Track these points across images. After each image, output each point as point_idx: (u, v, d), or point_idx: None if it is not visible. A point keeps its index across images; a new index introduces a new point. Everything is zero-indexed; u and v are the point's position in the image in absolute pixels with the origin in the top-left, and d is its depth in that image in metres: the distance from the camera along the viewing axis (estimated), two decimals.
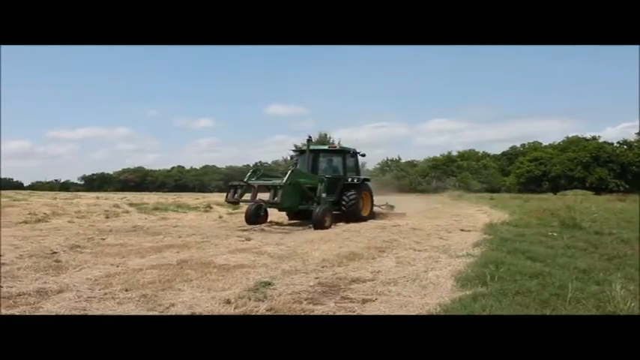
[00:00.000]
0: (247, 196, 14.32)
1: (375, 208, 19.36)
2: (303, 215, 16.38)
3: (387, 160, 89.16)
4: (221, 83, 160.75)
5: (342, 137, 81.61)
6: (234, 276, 6.84)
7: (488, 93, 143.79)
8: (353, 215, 16.53)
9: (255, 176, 14.76)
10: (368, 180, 19.42)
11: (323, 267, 7.65)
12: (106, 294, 5.73)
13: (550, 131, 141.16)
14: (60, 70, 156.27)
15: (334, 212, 16.07)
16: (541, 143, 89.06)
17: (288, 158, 19.01)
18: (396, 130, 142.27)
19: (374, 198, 18.77)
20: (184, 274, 6.94)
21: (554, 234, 11.14)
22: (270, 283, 6.29)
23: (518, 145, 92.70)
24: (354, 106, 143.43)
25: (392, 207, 21.14)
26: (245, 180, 14.39)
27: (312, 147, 17.29)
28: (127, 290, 5.90)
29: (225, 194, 15.04)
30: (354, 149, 18.69)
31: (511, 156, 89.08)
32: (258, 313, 4.94)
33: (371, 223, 16.39)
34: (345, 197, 16.64)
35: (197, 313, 4.96)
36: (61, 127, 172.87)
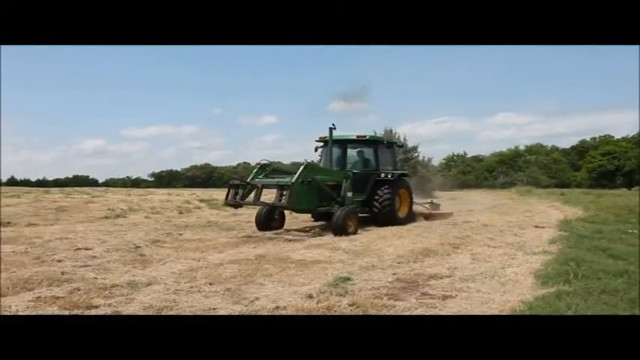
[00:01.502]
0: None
1: (417, 207, 16.66)
2: (327, 217, 13.12)
3: (453, 155, 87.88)
4: (283, 80, 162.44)
5: (406, 132, 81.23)
6: (313, 271, 6.99)
7: (556, 86, 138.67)
8: (387, 217, 13.91)
9: (262, 173, 12.33)
10: (406, 175, 16.73)
11: (399, 263, 7.69)
12: (192, 287, 5.98)
13: (622, 124, 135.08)
14: (132, 70, 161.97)
15: (363, 215, 13.68)
16: (612, 136, 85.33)
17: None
18: (460, 125, 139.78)
19: (435, 194, 17.40)
20: (264, 268, 7.14)
21: (635, 231, 10.68)
22: (349, 279, 6.38)
23: (588, 139, 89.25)
24: (416, 101, 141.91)
25: (438, 205, 18.93)
26: (249, 179, 12.08)
27: (335, 137, 14.23)
28: (211, 284, 6.14)
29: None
30: (389, 139, 16.87)
31: (582, 150, 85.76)
32: (341, 308, 5.04)
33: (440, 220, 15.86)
34: (377, 196, 13.98)
35: (281, 307, 5.10)
36: (133, 125, 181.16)
